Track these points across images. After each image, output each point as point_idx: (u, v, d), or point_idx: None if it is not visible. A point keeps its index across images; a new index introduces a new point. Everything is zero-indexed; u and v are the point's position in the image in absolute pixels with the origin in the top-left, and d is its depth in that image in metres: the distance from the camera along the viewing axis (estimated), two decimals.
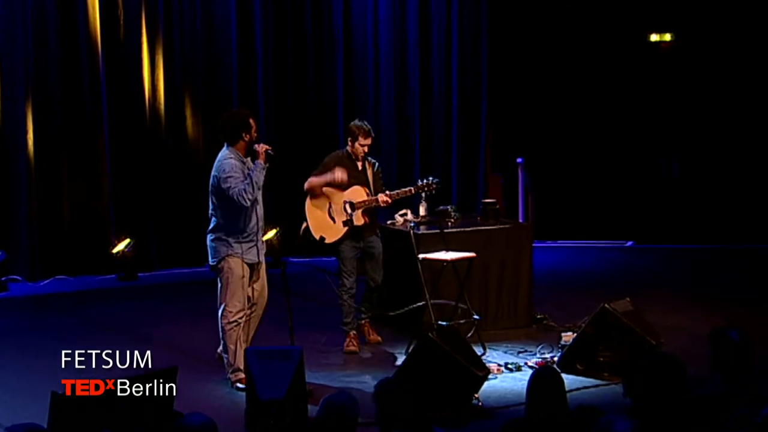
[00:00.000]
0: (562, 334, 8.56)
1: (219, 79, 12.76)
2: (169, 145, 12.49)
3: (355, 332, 8.64)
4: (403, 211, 9.56)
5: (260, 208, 7.52)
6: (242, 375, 7.34)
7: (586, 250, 13.62)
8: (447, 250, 8.77)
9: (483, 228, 9.33)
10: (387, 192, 8.47)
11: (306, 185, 8.53)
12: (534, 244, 9.74)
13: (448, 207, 9.66)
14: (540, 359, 8.18)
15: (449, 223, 9.41)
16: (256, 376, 6.66)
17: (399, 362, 8.03)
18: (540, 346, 8.47)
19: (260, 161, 7.36)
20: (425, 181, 8.64)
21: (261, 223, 7.52)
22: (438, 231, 8.98)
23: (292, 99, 13.18)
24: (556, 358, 8.11)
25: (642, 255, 13.42)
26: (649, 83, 13.98)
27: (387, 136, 13.58)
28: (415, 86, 13.67)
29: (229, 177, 7.38)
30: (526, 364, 8.11)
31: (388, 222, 9.54)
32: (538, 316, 9.52)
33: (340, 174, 8.36)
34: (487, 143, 13.96)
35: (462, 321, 8.57)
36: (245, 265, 7.46)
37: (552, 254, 13.10)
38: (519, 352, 8.48)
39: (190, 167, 12.54)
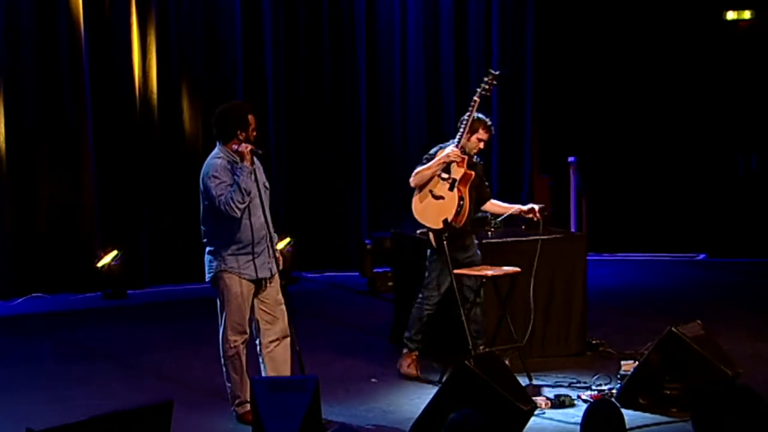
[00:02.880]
0: (622, 362, 8.53)
1: (221, 66, 12.83)
2: (163, 143, 12.57)
3: (418, 353, 8.62)
4: None
5: (259, 217, 7.47)
6: (248, 408, 7.36)
7: (649, 264, 13.58)
8: (487, 264, 8.76)
9: (528, 238, 9.31)
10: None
11: (413, 180, 8.56)
12: (588, 258, 9.73)
13: (488, 214, 9.66)
14: (596, 392, 8.16)
15: (489, 233, 9.40)
16: (264, 409, 6.68)
17: (431, 394, 8.02)
18: (596, 377, 8.45)
19: (245, 164, 7.35)
20: (532, 206, 8.78)
21: (264, 233, 7.50)
22: (476, 242, 8.97)
23: (306, 89, 13.24)
24: (614, 391, 8.08)
25: (716, 270, 13.37)
26: (724, 68, 13.93)
27: (415, 133, 13.63)
28: (449, 70, 13.72)
29: (214, 180, 7.38)
30: (579, 397, 8.09)
31: (419, 231, 9.55)
32: (594, 342, 9.49)
33: (454, 151, 8.42)
34: (533, 140, 13.97)
35: (504, 347, 8.56)
36: (244, 282, 7.47)
37: (610, 269, 13.07)
38: (571, 384, 8.46)
39: (187, 168, 12.55)
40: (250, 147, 7.41)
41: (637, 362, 8.20)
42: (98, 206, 12.28)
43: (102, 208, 12.30)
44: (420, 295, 8.68)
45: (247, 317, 7.54)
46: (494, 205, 9.01)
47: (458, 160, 8.43)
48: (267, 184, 7.67)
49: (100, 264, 12.15)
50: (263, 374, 7.54)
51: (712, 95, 13.98)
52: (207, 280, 7.65)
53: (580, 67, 14.10)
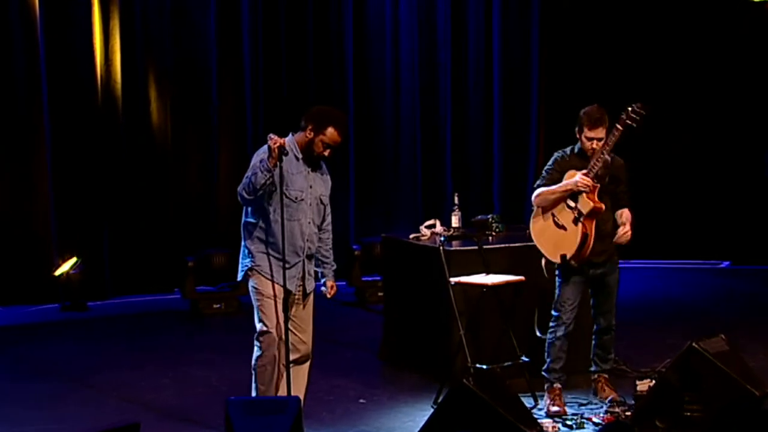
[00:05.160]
0: (638, 381, 8.54)
1: (192, 51, 12.85)
2: (127, 136, 12.57)
3: (561, 386, 8.45)
4: (431, 222, 9.58)
5: (299, 226, 7.48)
6: None
7: (668, 272, 13.61)
8: (487, 272, 8.79)
9: (533, 244, 9.33)
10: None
11: (535, 200, 8.32)
12: None
13: (489, 217, 9.67)
14: (608, 413, 8.19)
15: (490, 238, 9.43)
16: None
17: (426, 416, 8.04)
18: (609, 397, 8.48)
19: (269, 161, 7.33)
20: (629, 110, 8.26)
21: (301, 245, 7.50)
22: (476, 247, 9.00)
23: (287, 78, 13.24)
24: (629, 413, 8.11)
25: (741, 278, 13.41)
26: (751, 56, 13.97)
27: (409, 127, 13.67)
28: (446, 58, 13.77)
29: (253, 162, 7.44)
30: (590, 420, 8.12)
31: (412, 236, 9.58)
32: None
33: (582, 181, 8.11)
34: (539, 137, 14.02)
35: (507, 363, 8.59)
36: (277, 286, 7.47)
37: (623, 278, 13.05)
38: (581, 404, 8.48)
39: (154, 164, 12.61)
40: (280, 143, 7.36)
41: (653, 381, 8.22)
42: (54, 207, 12.27)
43: (59, 209, 12.30)
44: (551, 323, 8.43)
45: (281, 322, 7.49)
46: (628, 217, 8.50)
47: (587, 190, 8.13)
48: (325, 200, 7.67)
49: (57, 273, 12.14)
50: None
51: (737, 88, 14.01)
52: (238, 278, 7.69)
53: (592, 55, 14.14)
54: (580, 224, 8.18)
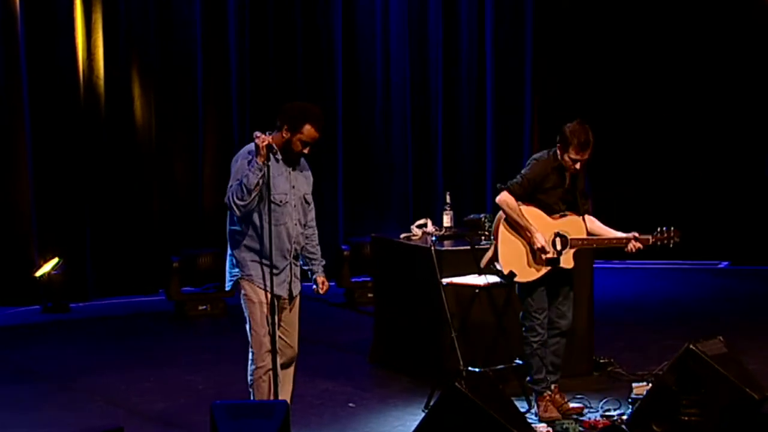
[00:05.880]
0: (633, 384, 8.58)
1: (177, 47, 12.84)
2: (110, 133, 12.55)
3: (551, 393, 8.38)
4: (422, 221, 9.59)
5: (286, 228, 7.46)
6: None
7: (665, 272, 13.63)
8: (480, 272, 8.79)
9: None
10: (637, 235, 8.20)
11: (503, 204, 8.21)
12: (595, 265, 9.76)
13: (481, 216, 9.67)
14: (603, 418, 8.20)
15: (482, 238, 9.43)
16: None
17: (416, 420, 8.05)
18: (603, 401, 8.48)
19: (258, 159, 7.31)
20: (664, 229, 8.34)
21: (288, 248, 7.49)
22: (468, 247, 9.01)
23: (275, 74, 13.24)
24: (624, 417, 8.12)
25: (740, 279, 13.43)
26: (750, 52, 13.98)
27: (399, 123, 13.68)
28: (437, 54, 13.79)
29: (235, 168, 7.40)
30: (584, 424, 8.12)
31: (402, 236, 9.58)
32: (601, 361, 9.53)
33: (541, 242, 8.09)
34: (532, 136, 14.04)
35: (500, 366, 8.59)
36: (267, 294, 7.45)
37: (619, 278, 13.11)
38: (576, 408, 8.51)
39: (137, 163, 12.60)
40: (267, 141, 7.34)
41: (650, 384, 8.23)
42: (35, 207, 12.25)
43: (40, 209, 12.28)
44: (524, 333, 8.37)
45: (268, 330, 7.46)
46: (596, 225, 8.41)
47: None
48: (309, 198, 7.64)
49: (38, 273, 12.13)
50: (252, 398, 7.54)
51: (736, 84, 14.03)
52: (227, 288, 7.66)
53: (587, 52, 14.14)
54: (548, 268, 8.16)
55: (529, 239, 8.13)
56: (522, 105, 14.13)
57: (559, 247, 8.17)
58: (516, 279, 8.21)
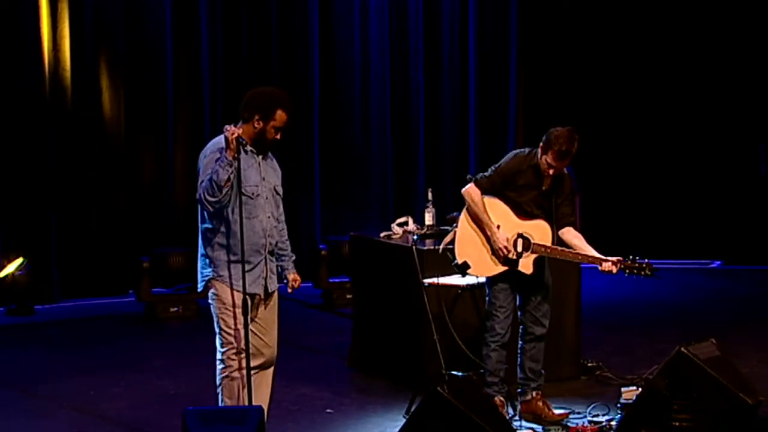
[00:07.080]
0: (623, 389, 8.60)
1: (146, 36, 12.83)
2: (77, 127, 12.54)
3: (503, 399, 8.41)
4: (403, 220, 9.61)
5: (259, 222, 7.46)
6: None
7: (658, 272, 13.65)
8: (463, 273, 8.81)
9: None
10: (615, 259, 8.18)
11: (467, 196, 8.33)
12: (583, 266, 9.79)
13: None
14: (591, 424, 8.23)
15: None
16: None
17: (397, 427, 8.07)
18: (591, 406, 8.51)
19: (227, 154, 7.31)
20: (637, 259, 8.33)
21: (263, 242, 7.48)
22: (451, 246, 9.02)
23: (248, 63, 13.24)
24: (613, 422, 8.16)
25: (733, 279, 13.49)
26: (743, 48, 14.03)
27: (378, 116, 13.69)
28: (418, 42, 13.81)
29: (204, 163, 7.38)
30: (571, 430, 8.16)
31: (382, 234, 9.59)
32: (589, 365, 9.57)
33: (501, 241, 8.12)
34: (517, 128, 14.07)
35: (483, 371, 8.62)
36: (237, 294, 7.45)
37: (608, 279, 13.11)
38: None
39: (106, 159, 12.58)
40: (237, 133, 7.32)
41: (640, 389, 8.26)
42: None
43: (2, 206, 12.27)
44: (485, 334, 8.39)
45: (243, 333, 7.48)
46: (574, 239, 8.33)
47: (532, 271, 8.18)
48: (279, 189, 7.63)
49: (1, 274, 12.10)
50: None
51: (730, 80, 14.08)
52: (198, 290, 7.65)
53: (573, 41, 14.17)
54: (505, 268, 8.17)
55: (489, 236, 8.15)
56: (506, 96, 14.15)
57: (519, 249, 8.17)
58: (469, 271, 8.24)
